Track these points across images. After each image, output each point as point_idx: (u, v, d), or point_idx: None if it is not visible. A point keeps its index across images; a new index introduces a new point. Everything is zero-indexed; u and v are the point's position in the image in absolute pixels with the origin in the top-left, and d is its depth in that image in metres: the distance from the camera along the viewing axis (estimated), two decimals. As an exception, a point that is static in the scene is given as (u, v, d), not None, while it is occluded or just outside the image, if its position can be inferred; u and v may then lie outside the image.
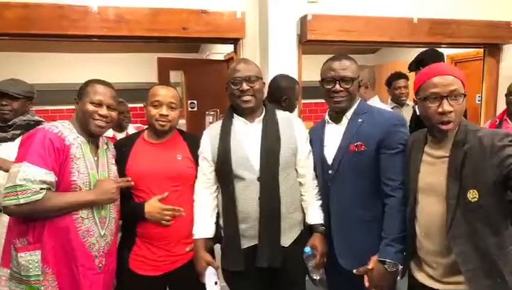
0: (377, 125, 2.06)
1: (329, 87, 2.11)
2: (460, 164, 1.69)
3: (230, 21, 3.40)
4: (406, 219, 1.93)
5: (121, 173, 2.20)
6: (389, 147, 2.02)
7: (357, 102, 2.17)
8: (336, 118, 2.19)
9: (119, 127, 4.02)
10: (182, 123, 5.63)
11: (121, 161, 2.24)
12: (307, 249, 2.11)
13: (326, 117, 2.26)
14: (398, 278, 2.03)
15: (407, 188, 1.93)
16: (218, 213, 2.24)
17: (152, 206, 2.16)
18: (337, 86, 2.08)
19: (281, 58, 3.41)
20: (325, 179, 2.18)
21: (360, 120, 2.11)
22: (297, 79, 3.22)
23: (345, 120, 2.15)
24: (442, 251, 1.77)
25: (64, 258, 1.92)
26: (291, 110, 2.74)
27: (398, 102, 4.40)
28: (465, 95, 1.73)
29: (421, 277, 1.89)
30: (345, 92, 2.09)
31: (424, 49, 3.79)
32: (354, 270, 2.05)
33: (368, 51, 7.88)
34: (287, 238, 2.15)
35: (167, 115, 2.21)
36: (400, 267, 1.97)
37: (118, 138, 3.23)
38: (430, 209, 1.80)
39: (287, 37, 3.45)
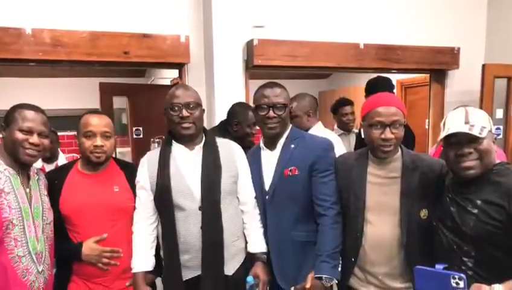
0: (308, 150, 2.27)
1: (263, 113, 2.26)
2: (413, 184, 2.02)
3: (173, 45, 3.49)
4: (341, 235, 2.17)
5: (55, 208, 2.17)
6: (320, 170, 2.23)
7: (289, 128, 2.35)
8: (271, 144, 2.34)
9: (49, 157, 3.93)
10: (127, 151, 5.60)
11: (54, 195, 2.21)
12: (249, 279, 2.19)
13: (261, 144, 2.40)
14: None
15: (354, 207, 2.13)
16: (158, 244, 2.27)
17: (90, 248, 2.15)
18: (271, 112, 2.24)
19: (228, 84, 3.53)
20: (263, 204, 2.31)
21: (292, 146, 2.29)
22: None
23: (279, 146, 2.31)
24: (388, 262, 2.06)
25: None
26: (244, 138, 2.87)
27: (345, 128, 4.46)
28: (405, 125, 2.04)
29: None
30: (278, 118, 2.25)
31: (374, 75, 3.93)
32: (292, 288, 2.18)
33: (320, 76, 8.11)
34: (230, 267, 2.22)
35: (102, 146, 2.21)
36: (335, 281, 2.14)
37: (47, 170, 3.07)
38: (382, 226, 2.07)
39: (233, 62, 3.57)
